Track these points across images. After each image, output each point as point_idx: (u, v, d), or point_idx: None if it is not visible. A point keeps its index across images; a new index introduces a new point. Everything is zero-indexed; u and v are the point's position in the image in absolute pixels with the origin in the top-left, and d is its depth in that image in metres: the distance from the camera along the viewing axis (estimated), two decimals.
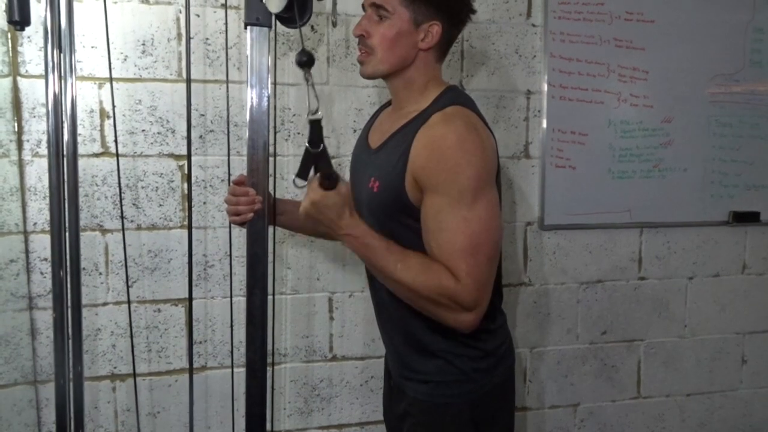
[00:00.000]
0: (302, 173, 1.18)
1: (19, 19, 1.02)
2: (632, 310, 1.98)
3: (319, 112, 1.15)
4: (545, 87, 1.83)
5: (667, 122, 1.92)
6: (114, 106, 1.58)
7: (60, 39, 1.31)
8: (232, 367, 1.59)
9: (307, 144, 1.15)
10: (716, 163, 1.97)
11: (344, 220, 1.14)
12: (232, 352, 1.66)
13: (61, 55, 1.31)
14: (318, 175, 1.13)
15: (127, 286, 1.58)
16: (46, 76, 1.27)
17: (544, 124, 1.84)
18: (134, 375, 1.55)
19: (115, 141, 1.52)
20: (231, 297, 1.64)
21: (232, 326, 1.61)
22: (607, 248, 1.94)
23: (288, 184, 1.71)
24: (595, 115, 1.87)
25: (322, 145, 1.14)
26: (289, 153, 1.71)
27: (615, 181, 1.91)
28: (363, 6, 1.25)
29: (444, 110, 1.17)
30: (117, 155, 1.51)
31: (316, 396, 1.80)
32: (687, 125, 1.93)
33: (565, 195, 1.88)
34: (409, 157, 1.15)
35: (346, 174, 1.72)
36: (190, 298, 1.49)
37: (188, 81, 1.42)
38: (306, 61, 1.15)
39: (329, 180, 1.12)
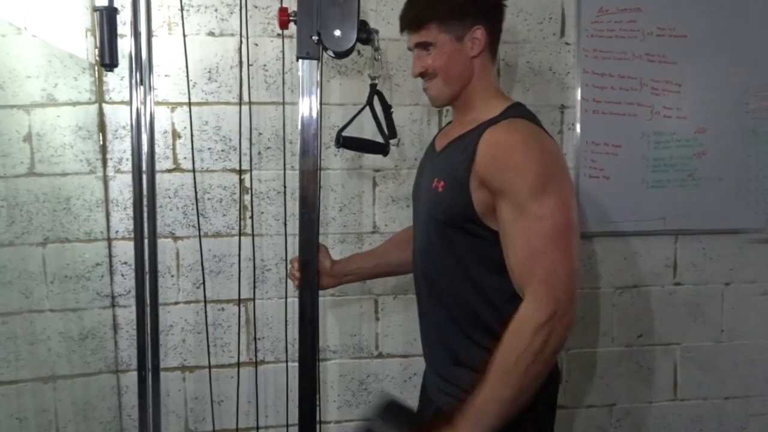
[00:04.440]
0: None
1: (109, 62, 1.21)
2: (668, 315, 2.05)
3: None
4: (579, 101, 1.93)
5: (700, 133, 1.98)
6: (192, 126, 1.78)
7: (141, 70, 1.51)
8: (287, 361, 1.76)
9: None
10: (752, 171, 2.01)
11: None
12: (286, 348, 1.83)
13: (142, 84, 1.52)
14: None
15: (204, 287, 1.78)
16: (130, 103, 1.48)
17: (578, 137, 1.94)
18: (209, 367, 1.77)
19: (192, 158, 1.73)
20: (286, 298, 1.81)
21: (286, 324, 1.79)
22: (642, 255, 2.02)
23: (337, 196, 1.87)
24: (628, 127, 1.95)
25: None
26: (337, 167, 1.87)
27: (649, 190, 1.98)
28: (409, 48, 1.34)
29: (510, 119, 1.21)
30: (194, 171, 1.71)
31: (363, 390, 1.95)
32: (722, 135, 1.99)
33: (599, 204, 1.97)
34: (475, 158, 1.17)
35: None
36: (254, 299, 1.67)
37: (249, 103, 1.61)
38: None
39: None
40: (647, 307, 2.04)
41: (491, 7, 1.29)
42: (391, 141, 1.52)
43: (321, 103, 1.72)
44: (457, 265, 1.26)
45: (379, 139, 1.53)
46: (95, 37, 1.72)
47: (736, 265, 2.06)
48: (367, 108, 1.50)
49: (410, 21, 1.30)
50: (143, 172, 1.52)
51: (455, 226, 1.23)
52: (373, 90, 1.49)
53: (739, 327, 2.08)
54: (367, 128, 1.65)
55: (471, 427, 1.10)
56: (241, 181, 1.85)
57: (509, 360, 1.09)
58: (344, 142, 1.50)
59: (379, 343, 1.94)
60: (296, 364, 1.48)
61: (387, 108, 1.53)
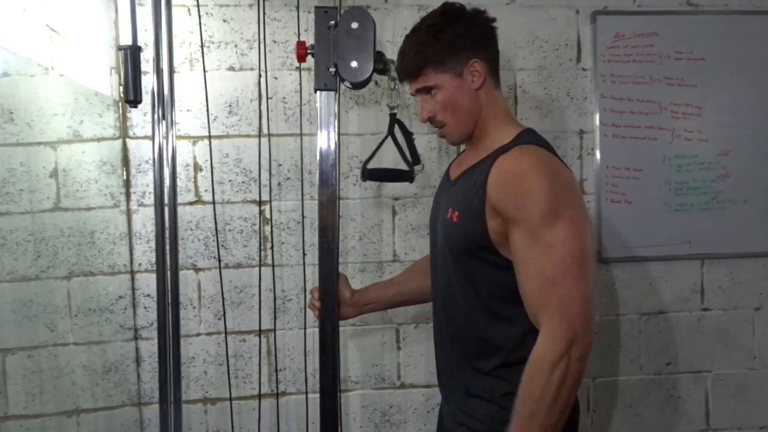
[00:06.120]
0: None
1: (134, 98, 1.25)
2: (697, 341, 1.99)
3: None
4: (597, 126, 1.92)
5: (723, 155, 1.96)
6: (212, 158, 1.81)
7: (163, 106, 1.55)
8: (307, 392, 1.75)
9: None
10: None
11: None
12: (306, 378, 1.82)
13: (164, 119, 1.55)
14: None
15: (225, 318, 1.79)
16: (153, 137, 1.51)
17: (598, 162, 1.92)
18: (230, 399, 1.77)
19: (213, 191, 1.76)
20: (305, 328, 1.81)
21: (305, 355, 1.78)
22: (668, 280, 1.97)
23: (356, 225, 1.88)
24: (649, 150, 1.93)
25: None
26: (356, 196, 1.88)
27: (673, 214, 1.95)
28: (412, 94, 1.36)
29: (521, 146, 1.21)
30: (214, 203, 1.74)
31: (386, 421, 1.92)
32: (745, 157, 1.96)
33: (622, 228, 1.94)
34: (487, 186, 1.18)
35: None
36: (275, 329, 1.67)
37: (268, 135, 1.64)
38: None
39: None
40: (675, 333, 1.99)
41: (481, 35, 1.29)
42: (416, 167, 1.54)
43: (339, 134, 1.73)
44: (475, 295, 1.24)
45: (402, 166, 1.54)
46: (119, 75, 1.77)
47: (766, 290, 2.00)
48: (389, 137, 1.52)
49: (407, 70, 1.31)
50: (165, 204, 1.55)
51: (471, 255, 1.23)
52: (393, 119, 1.51)
53: None
54: (386, 157, 1.67)
55: None
56: (261, 212, 1.86)
57: (534, 396, 1.10)
58: (370, 174, 1.52)
59: (401, 372, 1.92)
60: (317, 395, 1.47)
61: (409, 135, 1.54)
